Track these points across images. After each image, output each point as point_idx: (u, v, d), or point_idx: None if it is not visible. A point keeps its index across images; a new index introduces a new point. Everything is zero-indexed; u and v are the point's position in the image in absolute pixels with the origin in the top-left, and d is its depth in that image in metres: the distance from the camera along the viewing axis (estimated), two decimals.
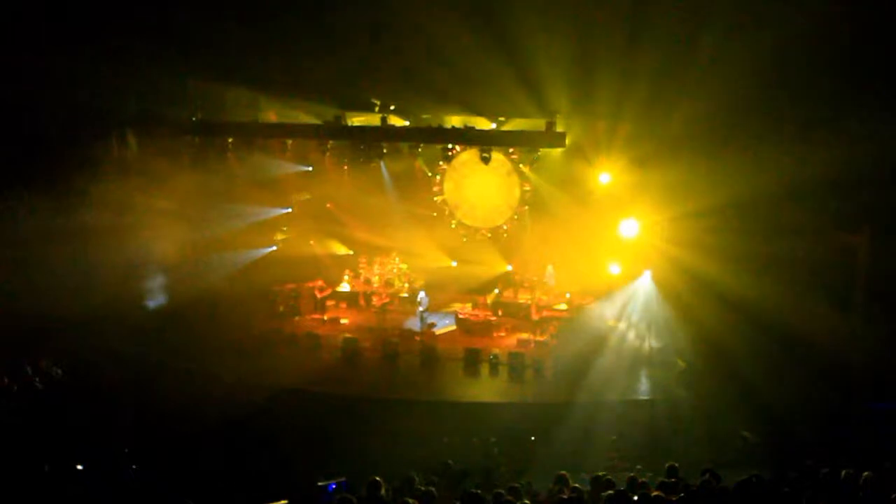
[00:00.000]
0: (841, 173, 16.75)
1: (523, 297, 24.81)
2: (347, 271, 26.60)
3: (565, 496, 9.95)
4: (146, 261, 21.95)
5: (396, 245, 26.59)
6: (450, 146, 24.21)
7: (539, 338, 22.00)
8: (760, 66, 16.68)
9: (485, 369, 20.38)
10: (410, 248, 26.45)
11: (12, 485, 9.47)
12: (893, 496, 8.77)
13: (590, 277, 23.94)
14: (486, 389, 19.58)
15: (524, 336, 22.30)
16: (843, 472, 10.22)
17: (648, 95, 18.58)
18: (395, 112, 22.61)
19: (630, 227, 21.32)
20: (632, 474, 11.89)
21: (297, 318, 24.80)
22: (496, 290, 25.15)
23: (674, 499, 9.18)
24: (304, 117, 23.39)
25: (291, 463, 13.69)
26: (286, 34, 18.30)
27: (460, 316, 24.02)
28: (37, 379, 16.03)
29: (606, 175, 21.74)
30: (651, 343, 21.24)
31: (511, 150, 24.40)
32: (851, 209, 17.80)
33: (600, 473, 12.01)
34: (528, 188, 25.25)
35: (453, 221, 26.44)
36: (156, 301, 22.65)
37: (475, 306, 24.83)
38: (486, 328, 23.30)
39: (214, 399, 16.39)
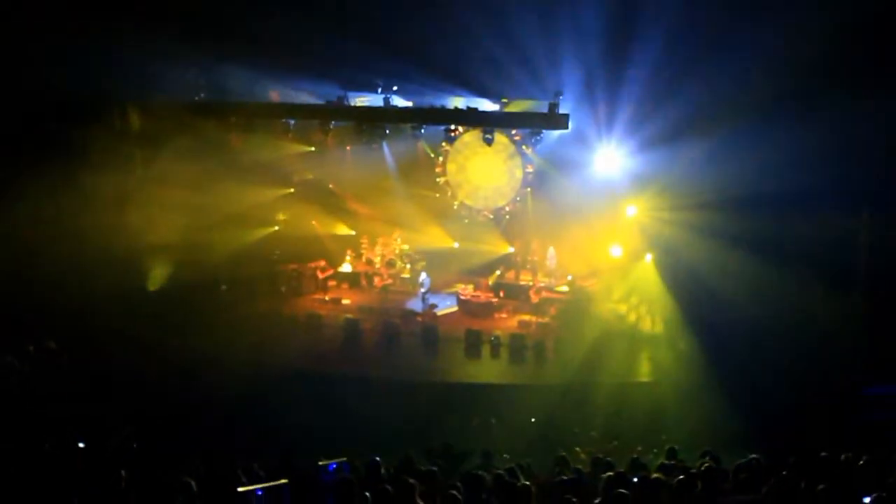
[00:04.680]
0: (841, 156, 16.75)
1: (525, 279, 24.82)
2: (349, 252, 26.63)
3: (565, 477, 9.98)
4: (148, 241, 21.92)
5: (398, 226, 26.58)
6: (453, 127, 24.13)
7: (540, 319, 22.04)
8: (764, 46, 16.63)
9: (486, 350, 20.44)
10: (412, 229, 26.44)
11: (13, 462, 9.50)
12: (892, 481, 8.79)
13: (591, 259, 23.93)
14: (487, 370, 19.64)
15: (525, 317, 22.36)
16: (843, 456, 10.24)
17: (652, 78, 18.54)
18: (397, 93, 22.54)
19: (632, 210, 21.31)
20: (633, 456, 11.93)
21: (298, 298, 24.84)
22: (498, 272, 25.16)
23: (673, 480, 9.19)
24: (307, 98, 23.32)
25: (292, 442, 13.73)
26: (288, 12, 18.22)
27: (462, 297, 24.04)
28: (40, 359, 16.05)
29: (610, 157, 21.67)
30: (651, 326, 21.27)
31: (514, 131, 24.33)
32: (852, 191, 17.79)
33: (600, 455, 12.05)
34: (530, 170, 25.18)
35: (455, 202, 26.37)
36: (158, 282, 22.63)
37: (477, 287, 24.84)
38: (487, 309, 23.34)
39: (216, 379, 16.42)
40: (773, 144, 17.44)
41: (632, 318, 21.85)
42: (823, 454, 10.67)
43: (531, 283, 24.12)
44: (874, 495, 7.99)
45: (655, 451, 13.97)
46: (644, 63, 18.39)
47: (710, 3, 16.94)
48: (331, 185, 27.25)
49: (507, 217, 26.16)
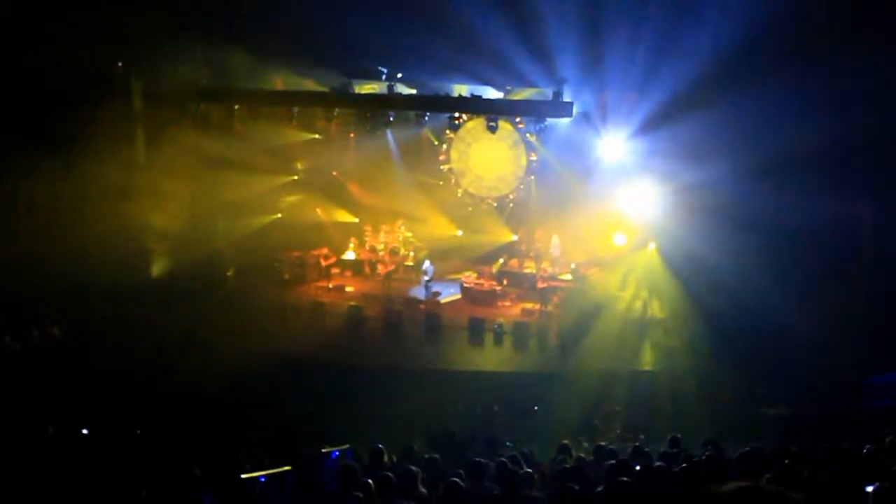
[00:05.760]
0: (845, 141, 16.67)
1: (528, 267, 24.81)
2: (353, 239, 26.61)
3: (568, 465, 10.00)
4: (151, 228, 21.93)
5: (402, 213, 26.58)
6: (457, 115, 24.10)
7: (543, 307, 22.03)
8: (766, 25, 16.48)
9: (489, 338, 20.42)
10: (416, 217, 26.44)
11: (17, 447, 9.54)
12: (895, 469, 8.80)
13: (595, 248, 23.94)
14: (491, 358, 19.64)
15: (529, 306, 22.35)
16: (845, 445, 10.26)
17: (656, 62, 18.47)
18: (402, 80, 22.50)
19: (636, 197, 21.29)
20: (636, 444, 11.95)
21: (302, 285, 24.86)
22: (501, 260, 25.16)
23: (676, 469, 9.22)
24: (311, 85, 23.29)
25: (295, 430, 13.77)
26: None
27: (465, 285, 24.03)
28: (43, 343, 16.10)
29: (614, 145, 21.64)
30: (655, 314, 21.26)
31: (518, 119, 24.29)
32: (856, 178, 17.72)
33: (603, 443, 12.07)
34: (534, 158, 25.16)
35: (459, 190, 26.37)
36: (161, 269, 22.64)
37: (480, 275, 24.84)
38: (490, 297, 23.32)
39: (218, 366, 16.44)
40: (777, 127, 17.38)
41: (635, 305, 21.84)
42: (826, 443, 10.69)
43: (535, 272, 24.11)
44: (877, 484, 8.00)
45: (658, 439, 13.99)
46: (646, 48, 18.29)
47: None
48: (334, 173, 27.24)
49: (511, 205, 26.17)
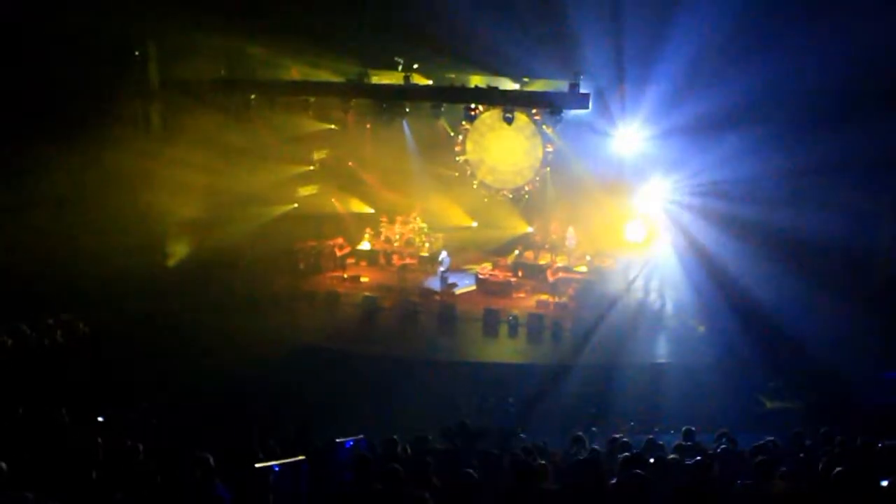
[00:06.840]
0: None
1: (543, 259, 24.76)
2: (368, 230, 26.65)
3: (581, 457, 10.00)
4: (168, 217, 21.99)
5: (417, 204, 26.59)
6: (473, 106, 24.06)
7: (558, 299, 22.00)
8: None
9: (504, 330, 20.41)
10: (431, 208, 26.44)
11: (31, 435, 9.59)
12: None
13: (610, 240, 23.89)
14: (505, 350, 19.64)
15: (544, 297, 22.30)
16: (859, 440, 10.21)
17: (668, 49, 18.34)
18: (418, 71, 22.45)
19: (652, 191, 21.22)
20: (649, 437, 11.93)
21: (317, 275, 24.91)
22: (516, 251, 25.13)
23: (690, 462, 9.20)
24: (327, 75, 23.30)
25: (309, 419, 13.80)
26: None
27: (480, 276, 24.02)
28: (59, 332, 16.14)
29: (631, 138, 21.57)
30: (670, 306, 21.23)
31: (534, 110, 24.20)
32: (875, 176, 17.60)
33: (617, 435, 12.06)
34: (550, 149, 25.10)
35: (475, 182, 26.36)
36: (177, 258, 22.72)
37: (495, 267, 24.84)
38: (505, 289, 23.31)
39: (234, 355, 16.50)
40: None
41: (650, 297, 21.82)
42: (840, 437, 10.65)
43: (550, 263, 24.06)
44: (892, 479, 7.97)
45: (672, 431, 13.97)
46: (660, 34, 18.13)
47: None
48: (350, 163, 27.29)
49: (527, 196, 26.12)
